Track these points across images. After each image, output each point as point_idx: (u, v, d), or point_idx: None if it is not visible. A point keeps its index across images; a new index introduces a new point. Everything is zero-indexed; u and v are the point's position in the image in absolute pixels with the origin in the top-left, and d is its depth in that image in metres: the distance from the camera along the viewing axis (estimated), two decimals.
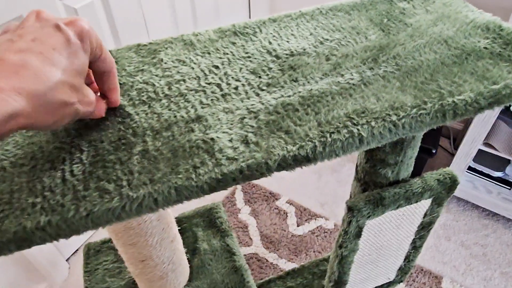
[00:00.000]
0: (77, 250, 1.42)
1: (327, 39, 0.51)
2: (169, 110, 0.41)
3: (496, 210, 1.40)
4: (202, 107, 0.42)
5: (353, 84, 0.44)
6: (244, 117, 0.40)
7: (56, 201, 0.33)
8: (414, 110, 0.40)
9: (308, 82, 0.44)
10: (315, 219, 1.53)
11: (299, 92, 0.43)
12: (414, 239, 0.76)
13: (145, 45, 0.50)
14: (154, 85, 0.44)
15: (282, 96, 0.43)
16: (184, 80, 0.45)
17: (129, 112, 0.41)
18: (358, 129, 0.39)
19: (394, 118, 0.40)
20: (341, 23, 0.53)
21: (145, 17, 1.24)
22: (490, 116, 1.18)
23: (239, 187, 1.63)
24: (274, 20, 0.54)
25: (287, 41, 0.51)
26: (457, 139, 1.72)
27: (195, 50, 0.49)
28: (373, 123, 0.39)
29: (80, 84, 0.33)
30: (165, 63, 0.48)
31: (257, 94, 0.43)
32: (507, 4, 1.36)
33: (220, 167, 0.35)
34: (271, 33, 0.52)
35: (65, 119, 0.33)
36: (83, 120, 0.40)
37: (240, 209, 1.56)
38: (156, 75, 0.46)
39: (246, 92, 0.43)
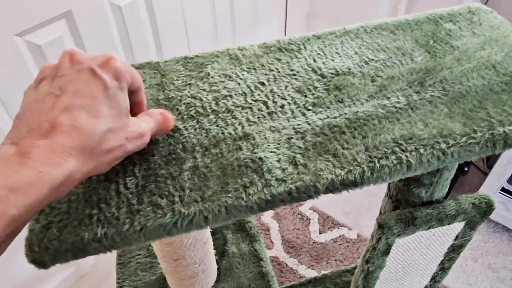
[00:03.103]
0: None
1: (372, 59, 0.51)
2: (217, 126, 0.42)
3: None
4: (249, 125, 0.42)
5: (400, 108, 0.44)
6: (291, 137, 0.41)
7: (111, 213, 0.34)
8: (464, 139, 0.40)
9: (354, 104, 0.45)
10: (338, 228, 1.52)
11: (345, 113, 0.43)
12: (442, 260, 0.75)
13: (192, 58, 0.51)
14: (201, 100, 0.45)
15: (328, 117, 0.43)
16: (231, 96, 0.46)
17: (178, 127, 0.42)
18: (406, 156, 0.39)
19: (443, 146, 0.39)
20: (386, 42, 0.53)
21: (185, 19, 1.26)
22: None
23: None
24: (318, 37, 0.55)
25: (332, 60, 0.51)
26: (491, 157, 1.68)
27: (241, 65, 0.50)
28: (421, 150, 0.39)
29: (124, 123, 0.34)
30: (212, 77, 0.48)
31: (303, 114, 0.43)
32: None
33: (269, 188, 0.36)
34: (315, 51, 0.52)
35: (116, 160, 0.34)
36: None
37: None
38: (204, 90, 0.47)
39: (292, 111, 0.44)
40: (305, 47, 0.53)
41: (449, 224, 0.66)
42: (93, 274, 1.38)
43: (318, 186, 0.36)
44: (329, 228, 1.53)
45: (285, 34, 1.75)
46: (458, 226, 0.68)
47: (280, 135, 0.41)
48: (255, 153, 0.39)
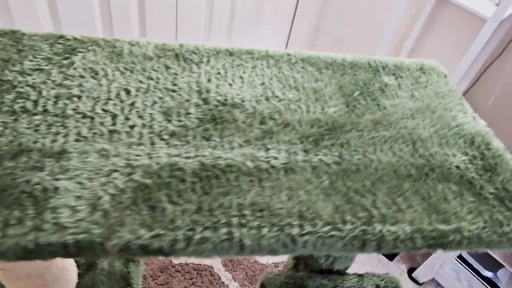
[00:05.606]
0: None
1: (277, 96, 0.42)
2: (35, 131, 0.33)
3: None
4: (76, 140, 0.33)
5: (273, 166, 0.35)
6: (116, 170, 0.32)
7: None
8: (325, 229, 0.31)
9: (222, 146, 0.35)
10: None
11: (203, 156, 0.34)
12: None
13: (68, 39, 0.42)
14: (40, 93, 0.36)
15: (180, 155, 0.34)
16: (79, 97, 0.37)
17: None
18: (242, 233, 0.30)
19: (295, 231, 0.30)
20: (305, 80, 0.44)
21: (177, 10, 1.16)
22: None
23: None
24: (231, 54, 0.45)
25: (230, 85, 0.42)
26: None
27: (118, 63, 0.41)
28: (265, 230, 0.30)
29: None
30: (74, 69, 0.39)
31: (152, 143, 0.34)
32: None
33: (37, 233, 0.27)
34: (217, 69, 0.43)
35: None
36: None
37: None
38: (53, 81, 0.37)
39: (141, 136, 0.35)
40: (208, 61, 0.44)
41: None
42: None
43: (107, 245, 0.27)
44: None
45: (286, 45, 1.64)
46: None
47: (106, 163, 0.32)
48: (56, 179, 0.30)
